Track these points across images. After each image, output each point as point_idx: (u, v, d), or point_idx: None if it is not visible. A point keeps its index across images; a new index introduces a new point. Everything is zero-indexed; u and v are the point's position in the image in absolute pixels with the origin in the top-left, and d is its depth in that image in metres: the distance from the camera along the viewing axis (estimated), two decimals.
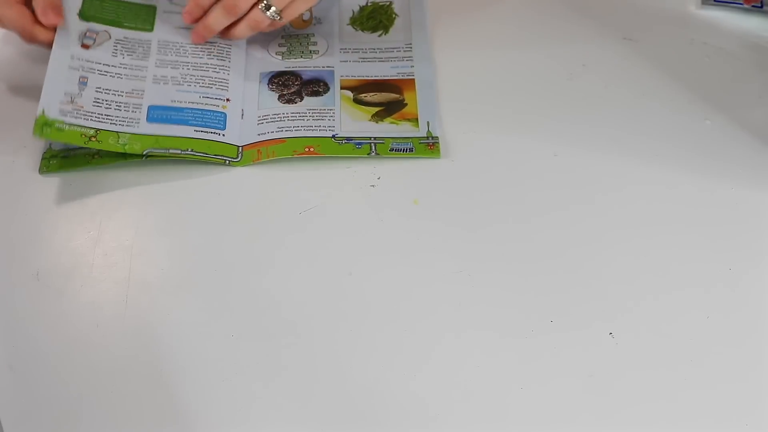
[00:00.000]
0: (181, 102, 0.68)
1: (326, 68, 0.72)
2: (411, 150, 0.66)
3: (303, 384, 0.55)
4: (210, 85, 0.70)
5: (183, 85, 0.69)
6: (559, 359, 0.56)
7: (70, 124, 0.64)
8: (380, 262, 0.61)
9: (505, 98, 0.70)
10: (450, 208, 0.64)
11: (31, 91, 0.71)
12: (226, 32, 0.71)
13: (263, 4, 0.68)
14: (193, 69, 0.71)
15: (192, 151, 0.65)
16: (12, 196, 0.65)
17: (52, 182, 0.66)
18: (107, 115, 0.65)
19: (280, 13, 0.69)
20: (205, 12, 0.71)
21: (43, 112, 0.63)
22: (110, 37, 0.70)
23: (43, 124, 0.63)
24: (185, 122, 0.67)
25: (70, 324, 0.58)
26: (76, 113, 0.65)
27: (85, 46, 0.69)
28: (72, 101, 0.65)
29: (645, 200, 0.63)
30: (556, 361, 0.56)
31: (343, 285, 0.60)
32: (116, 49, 0.70)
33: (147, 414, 0.54)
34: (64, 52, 0.67)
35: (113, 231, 0.63)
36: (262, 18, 0.69)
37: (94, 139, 0.65)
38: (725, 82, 0.71)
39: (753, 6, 0.76)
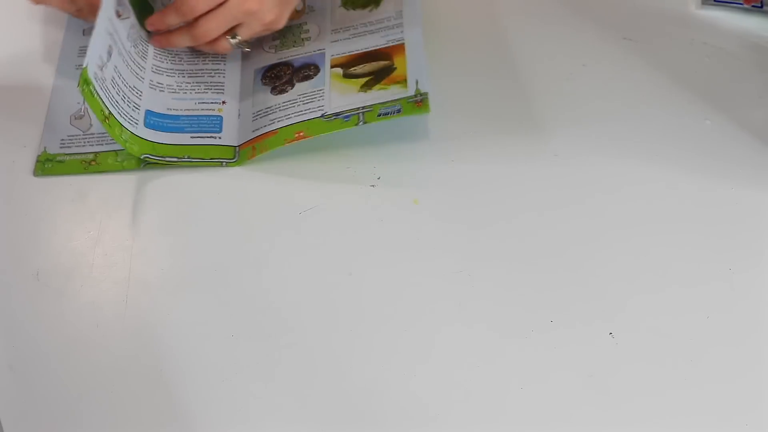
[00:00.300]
0: (177, 110, 0.68)
1: (317, 51, 0.71)
2: (399, 111, 0.64)
3: (303, 384, 0.55)
4: (206, 90, 0.70)
5: (179, 93, 0.69)
6: (559, 359, 0.56)
7: (97, 94, 0.62)
8: (380, 261, 0.61)
9: (504, 98, 0.70)
10: (450, 208, 0.64)
11: (31, 91, 0.71)
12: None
13: (231, 35, 0.69)
14: (188, 76, 0.71)
15: (188, 157, 0.65)
16: (12, 195, 0.65)
17: (53, 182, 0.66)
18: (117, 101, 0.65)
19: (245, 41, 0.70)
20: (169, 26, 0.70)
21: (86, 68, 0.61)
22: (130, 17, 0.69)
23: (84, 81, 0.61)
24: (181, 130, 0.67)
25: (70, 324, 0.58)
26: (102, 83, 0.63)
27: (118, 15, 0.68)
28: (102, 68, 0.64)
29: (645, 200, 0.63)
30: (556, 361, 0.56)
31: (343, 285, 0.60)
32: (129, 34, 0.69)
33: (147, 414, 0.54)
34: (106, 13, 0.65)
35: (113, 231, 0.63)
36: (227, 47, 0.70)
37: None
38: (725, 82, 0.71)
39: (753, 6, 0.76)
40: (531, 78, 0.72)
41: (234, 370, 0.56)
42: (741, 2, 0.76)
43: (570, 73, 0.72)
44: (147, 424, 0.54)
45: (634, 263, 0.60)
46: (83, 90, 0.61)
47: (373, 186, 0.65)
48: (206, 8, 0.66)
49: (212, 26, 0.68)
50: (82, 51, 0.71)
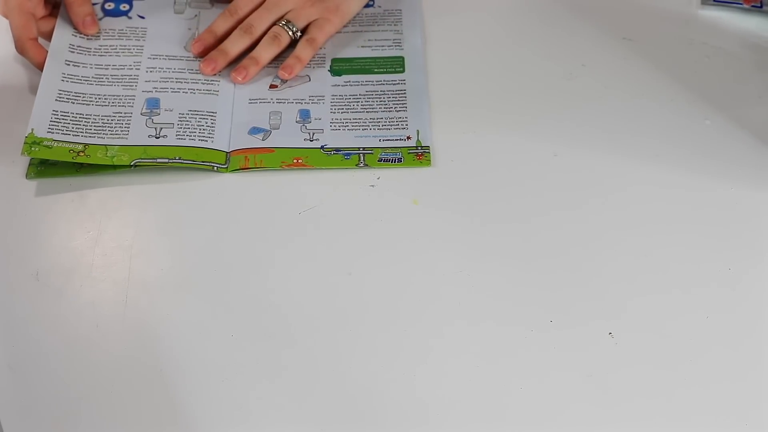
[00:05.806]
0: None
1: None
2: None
3: (303, 384, 0.55)
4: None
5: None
6: (559, 359, 0.56)
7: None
8: (380, 262, 0.61)
9: (504, 98, 0.70)
10: (449, 208, 0.64)
11: (30, 90, 0.71)
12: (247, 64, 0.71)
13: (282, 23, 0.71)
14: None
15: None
16: (11, 195, 0.65)
17: (52, 182, 0.66)
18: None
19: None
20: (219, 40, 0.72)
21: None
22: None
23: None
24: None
25: (70, 324, 0.58)
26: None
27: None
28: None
29: (645, 200, 0.63)
30: (555, 361, 0.56)
31: (342, 285, 0.60)
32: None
33: (147, 414, 0.54)
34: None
35: (112, 231, 0.63)
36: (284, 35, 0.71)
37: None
38: (725, 82, 0.71)
39: (753, 6, 0.76)
40: (531, 78, 0.72)
41: (234, 370, 0.56)
42: (741, 2, 0.76)
43: (570, 73, 0.72)
44: (147, 424, 0.54)
45: (634, 263, 0.60)
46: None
47: (372, 186, 0.65)
48: None
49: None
50: (72, 48, 0.72)
